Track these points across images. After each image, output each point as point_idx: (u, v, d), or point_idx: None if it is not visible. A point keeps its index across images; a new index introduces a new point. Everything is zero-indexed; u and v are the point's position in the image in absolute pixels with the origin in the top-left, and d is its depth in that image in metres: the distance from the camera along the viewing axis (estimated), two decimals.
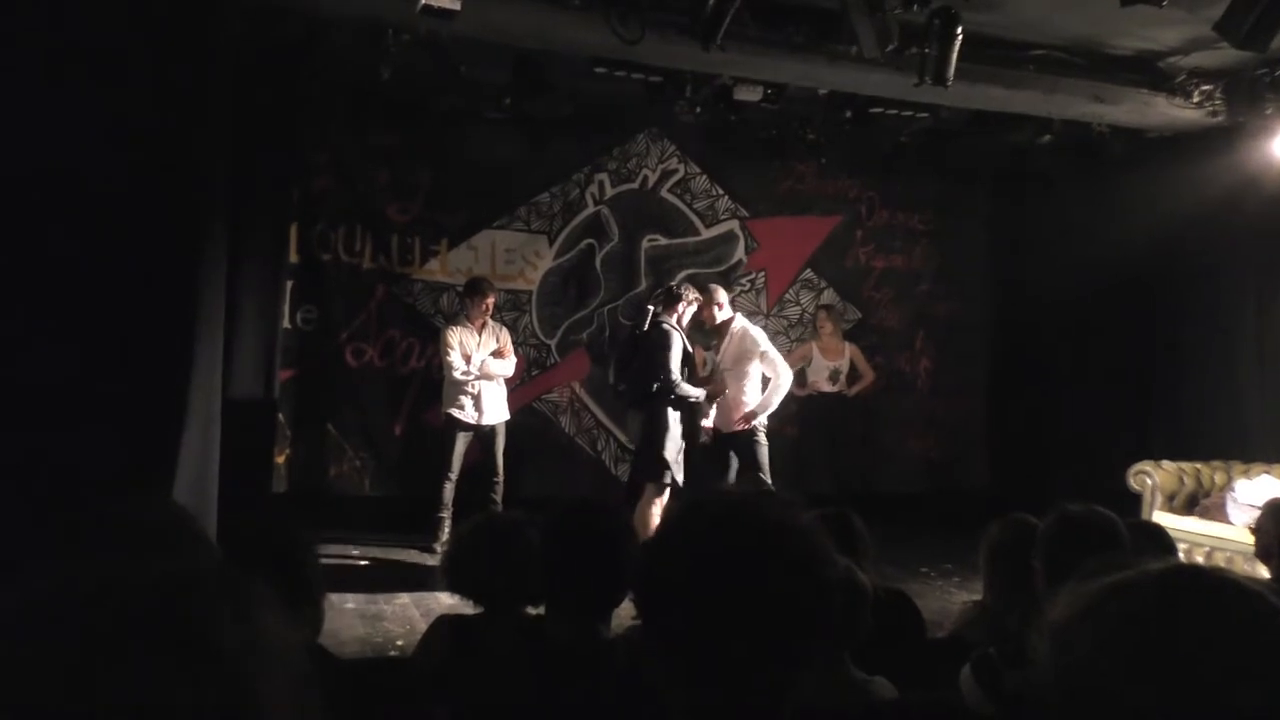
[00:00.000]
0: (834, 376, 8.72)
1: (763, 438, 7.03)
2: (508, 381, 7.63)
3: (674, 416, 6.64)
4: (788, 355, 7.86)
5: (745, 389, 7.03)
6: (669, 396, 6.61)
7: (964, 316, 9.99)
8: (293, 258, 8.06)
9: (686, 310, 6.86)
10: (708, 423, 7.11)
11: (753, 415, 6.95)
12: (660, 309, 6.92)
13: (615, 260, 9.17)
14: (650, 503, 6.59)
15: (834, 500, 4.06)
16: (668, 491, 6.55)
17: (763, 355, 6.97)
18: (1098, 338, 8.85)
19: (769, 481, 6.85)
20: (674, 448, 6.62)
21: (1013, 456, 9.40)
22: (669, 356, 6.55)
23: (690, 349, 6.82)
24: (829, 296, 9.64)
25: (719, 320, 7.10)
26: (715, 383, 7.08)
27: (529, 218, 8.90)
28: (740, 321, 7.18)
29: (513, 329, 8.31)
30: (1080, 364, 8.97)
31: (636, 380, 6.74)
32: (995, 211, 9.92)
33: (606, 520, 2.70)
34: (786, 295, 9.67)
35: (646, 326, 6.78)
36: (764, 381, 7.08)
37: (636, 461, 6.99)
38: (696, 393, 6.69)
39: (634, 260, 9.22)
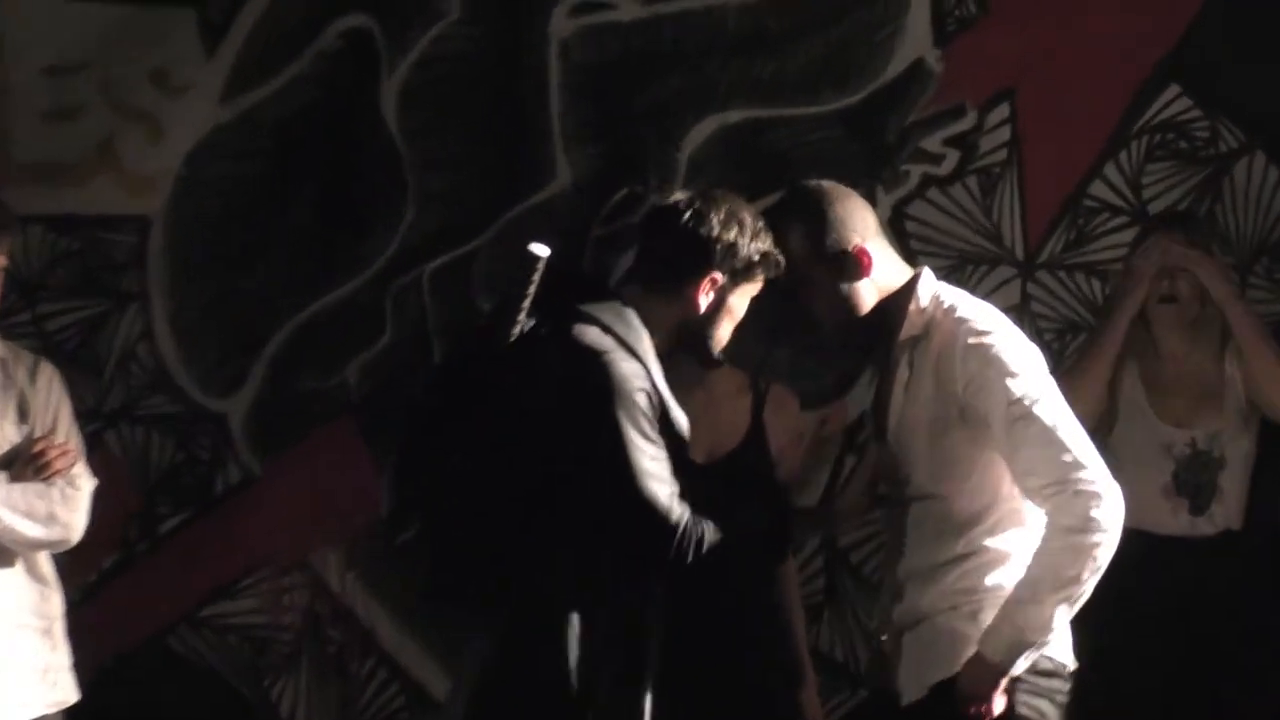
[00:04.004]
0: None
1: None
2: (76, 565, 3.35)
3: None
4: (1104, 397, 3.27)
5: (979, 546, 2.15)
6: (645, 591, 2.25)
7: None
8: None
9: (731, 294, 2.23)
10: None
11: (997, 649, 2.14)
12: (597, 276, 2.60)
13: (453, 91, 3.87)
14: None
15: None
16: None
17: (1014, 423, 2.08)
18: None
19: None
20: None
21: None
22: (635, 447, 2.05)
23: (680, 417, 2.21)
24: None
25: (866, 303, 2.26)
26: (847, 510, 2.60)
27: None
28: (935, 292, 2.30)
29: (86, 369, 3.77)
30: None
31: (480, 523, 2.21)
32: None
33: None
34: (1090, 190, 3.61)
35: (518, 331, 2.19)
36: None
37: None
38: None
39: (529, 90, 3.82)
